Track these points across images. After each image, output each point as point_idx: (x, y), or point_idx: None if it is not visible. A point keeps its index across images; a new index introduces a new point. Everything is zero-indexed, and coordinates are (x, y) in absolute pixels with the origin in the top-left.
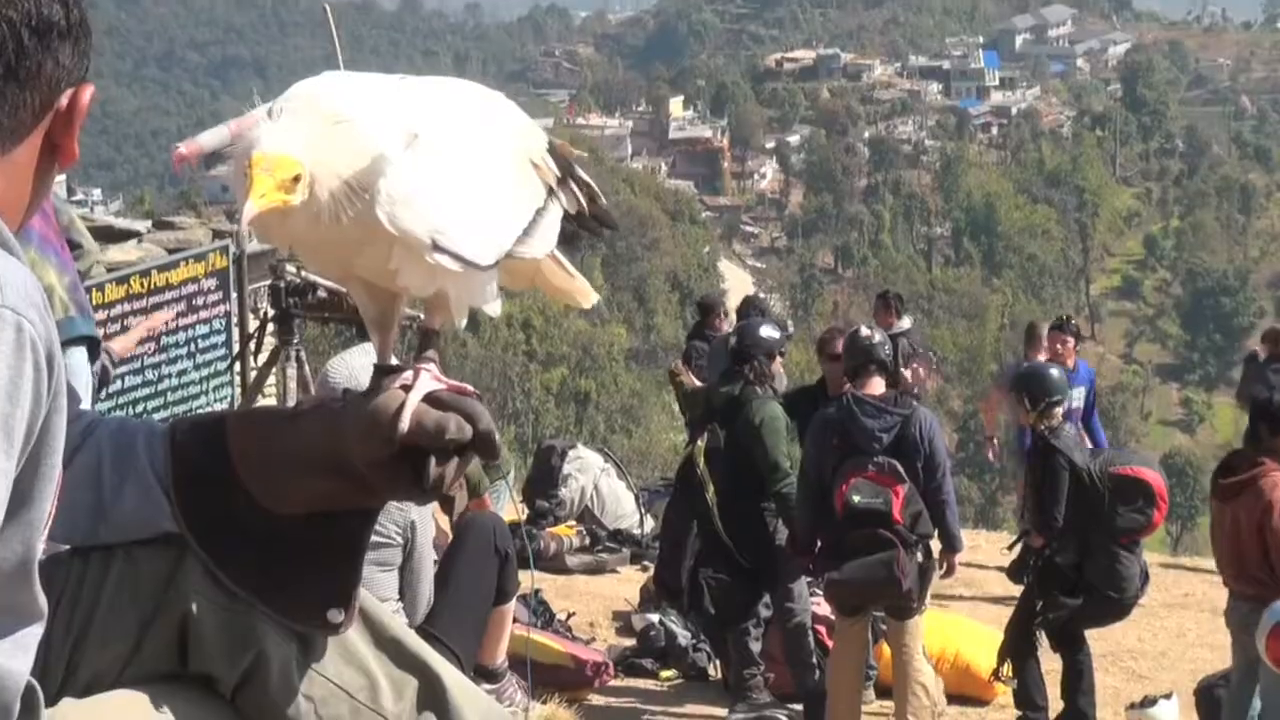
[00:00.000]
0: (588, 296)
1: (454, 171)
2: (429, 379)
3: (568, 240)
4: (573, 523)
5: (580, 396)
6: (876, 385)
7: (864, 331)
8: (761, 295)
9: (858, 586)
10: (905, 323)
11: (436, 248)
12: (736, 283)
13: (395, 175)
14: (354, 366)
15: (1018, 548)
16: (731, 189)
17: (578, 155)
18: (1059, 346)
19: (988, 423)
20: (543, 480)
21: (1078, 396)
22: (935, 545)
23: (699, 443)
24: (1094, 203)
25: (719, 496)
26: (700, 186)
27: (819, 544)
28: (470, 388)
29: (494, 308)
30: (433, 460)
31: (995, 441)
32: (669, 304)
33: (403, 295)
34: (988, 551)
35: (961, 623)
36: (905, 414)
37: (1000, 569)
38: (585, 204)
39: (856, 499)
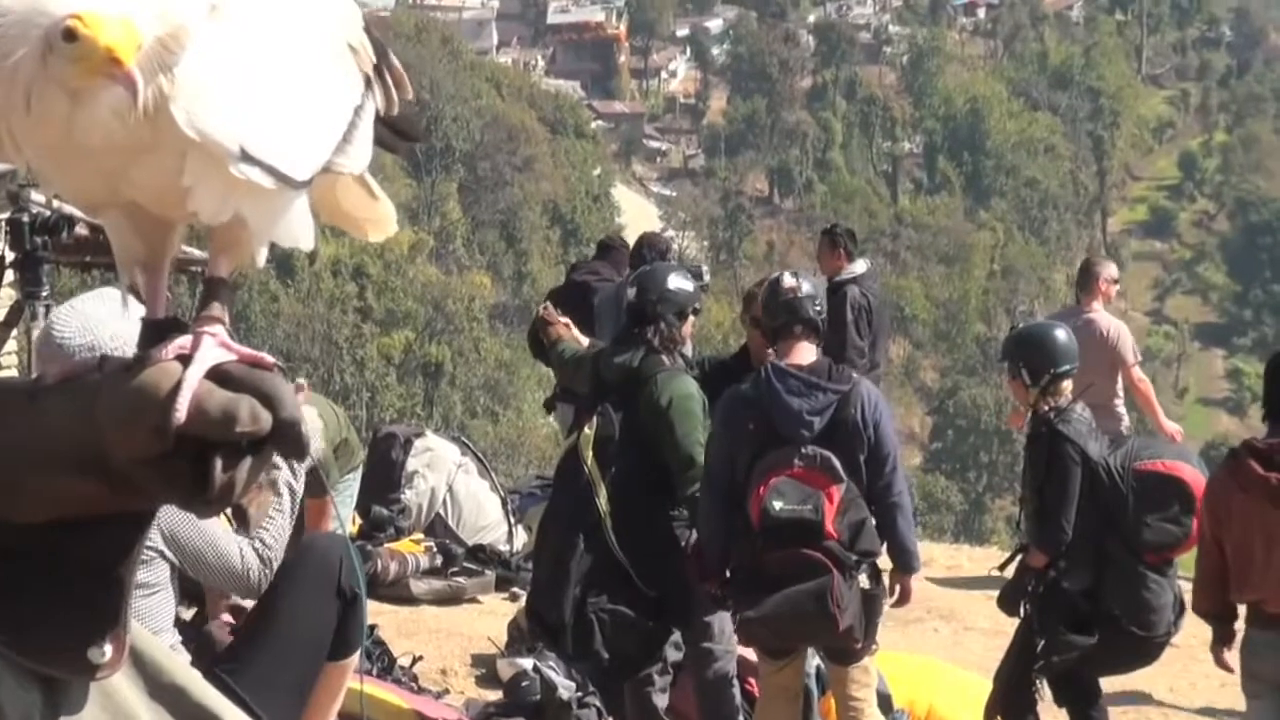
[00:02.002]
0: (386, 224)
1: (264, 53)
2: (214, 347)
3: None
4: (419, 536)
5: (430, 368)
6: (804, 352)
7: (787, 280)
8: (669, 233)
9: (780, 626)
10: (859, 266)
11: (245, 157)
12: (637, 216)
13: (197, 56)
14: (91, 320)
15: (1012, 568)
16: (631, 91)
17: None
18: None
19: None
20: (380, 480)
21: None
22: (885, 563)
23: (586, 430)
24: (1113, 110)
25: (613, 502)
26: (589, 88)
27: (730, 566)
28: (270, 358)
29: (307, 241)
30: (219, 460)
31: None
32: (547, 245)
33: (179, 227)
34: (973, 573)
35: (936, 668)
36: (843, 390)
37: (989, 596)
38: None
39: (777, 505)
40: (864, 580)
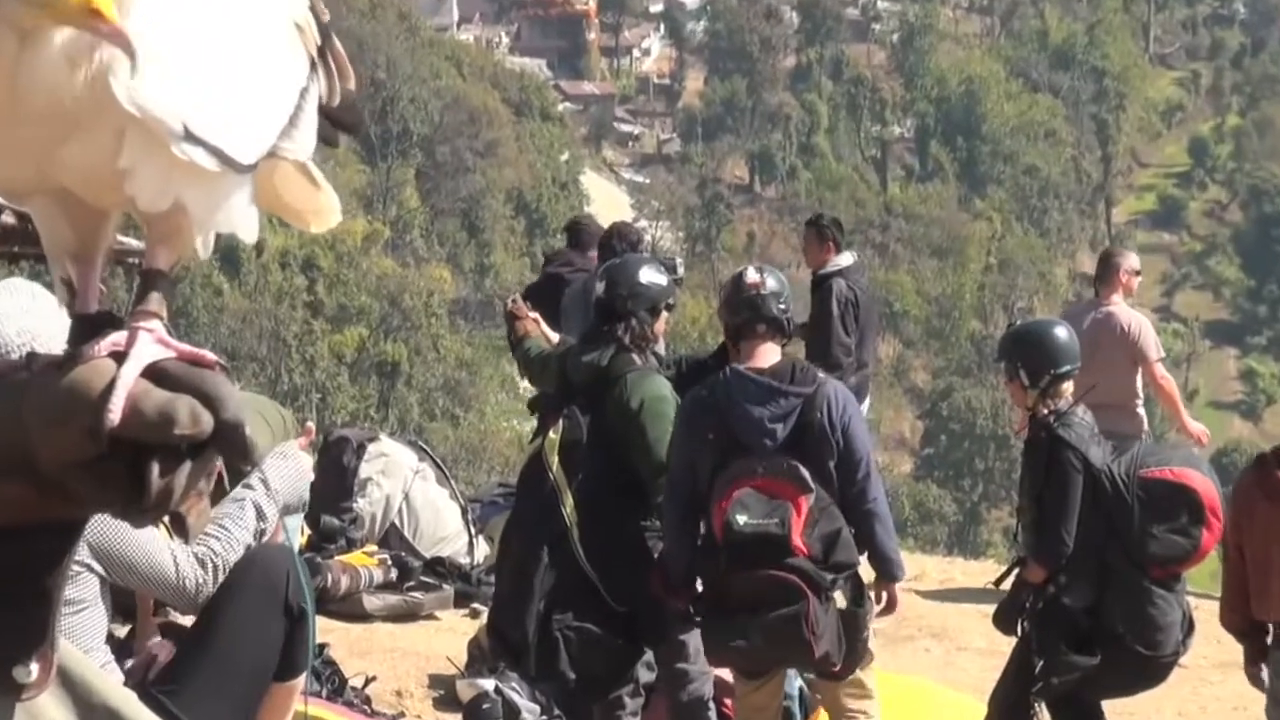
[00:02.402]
0: (329, 215)
1: (209, 26)
2: (151, 343)
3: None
4: (373, 548)
5: (386, 367)
6: (767, 354)
7: (750, 276)
8: (642, 223)
9: (751, 651)
10: (845, 258)
11: (189, 137)
12: (607, 204)
13: (139, 26)
14: None
15: (1009, 582)
16: (601, 71)
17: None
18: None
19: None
20: (331, 487)
21: None
22: (868, 572)
23: (551, 434)
24: (1118, 91)
25: (580, 511)
26: (556, 67)
27: (699, 582)
28: (211, 356)
29: (251, 231)
30: (156, 464)
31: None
32: (511, 236)
33: (114, 215)
34: (966, 587)
35: (928, 690)
36: (806, 393)
37: (985, 612)
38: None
39: (741, 519)
40: (841, 599)
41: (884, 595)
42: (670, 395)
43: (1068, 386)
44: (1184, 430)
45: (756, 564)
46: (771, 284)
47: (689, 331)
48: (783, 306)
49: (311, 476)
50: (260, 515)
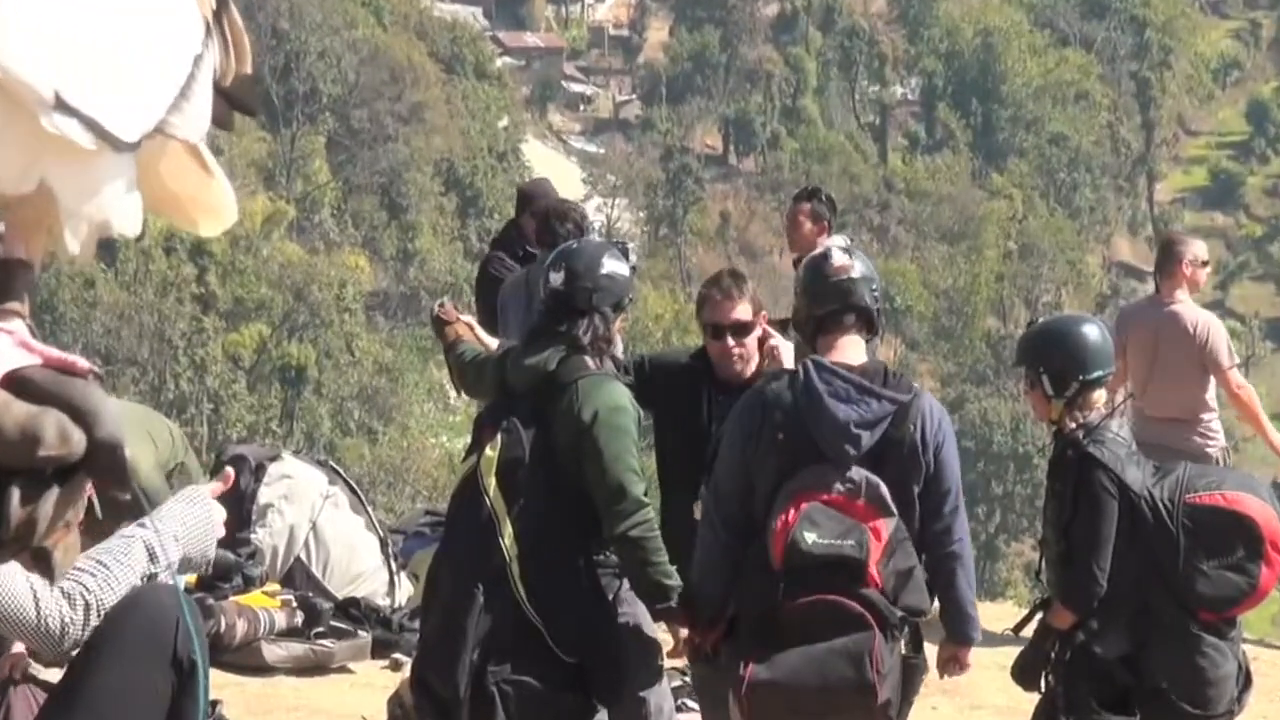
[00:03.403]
0: (223, 212)
1: None
2: (11, 348)
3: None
4: (274, 587)
5: (290, 373)
6: (855, 349)
7: (838, 257)
8: (597, 201)
9: (800, 694)
10: (837, 243)
11: (61, 106)
12: (554, 179)
13: None
14: None
15: (1032, 628)
16: (546, 20)
17: None
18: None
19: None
20: (225, 515)
21: None
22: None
23: (488, 451)
24: (1163, 46)
25: (522, 543)
26: (493, 16)
27: (731, 615)
28: (84, 362)
29: (131, 224)
30: (16, 490)
31: None
32: (440, 216)
33: None
34: (982, 632)
35: None
36: (902, 400)
37: (1003, 664)
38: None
39: (810, 538)
40: (904, 644)
41: (948, 660)
42: (630, 405)
43: (1099, 395)
44: (1273, 450)
45: (820, 591)
46: (862, 268)
47: (651, 330)
48: (875, 293)
49: (222, 531)
50: (152, 558)
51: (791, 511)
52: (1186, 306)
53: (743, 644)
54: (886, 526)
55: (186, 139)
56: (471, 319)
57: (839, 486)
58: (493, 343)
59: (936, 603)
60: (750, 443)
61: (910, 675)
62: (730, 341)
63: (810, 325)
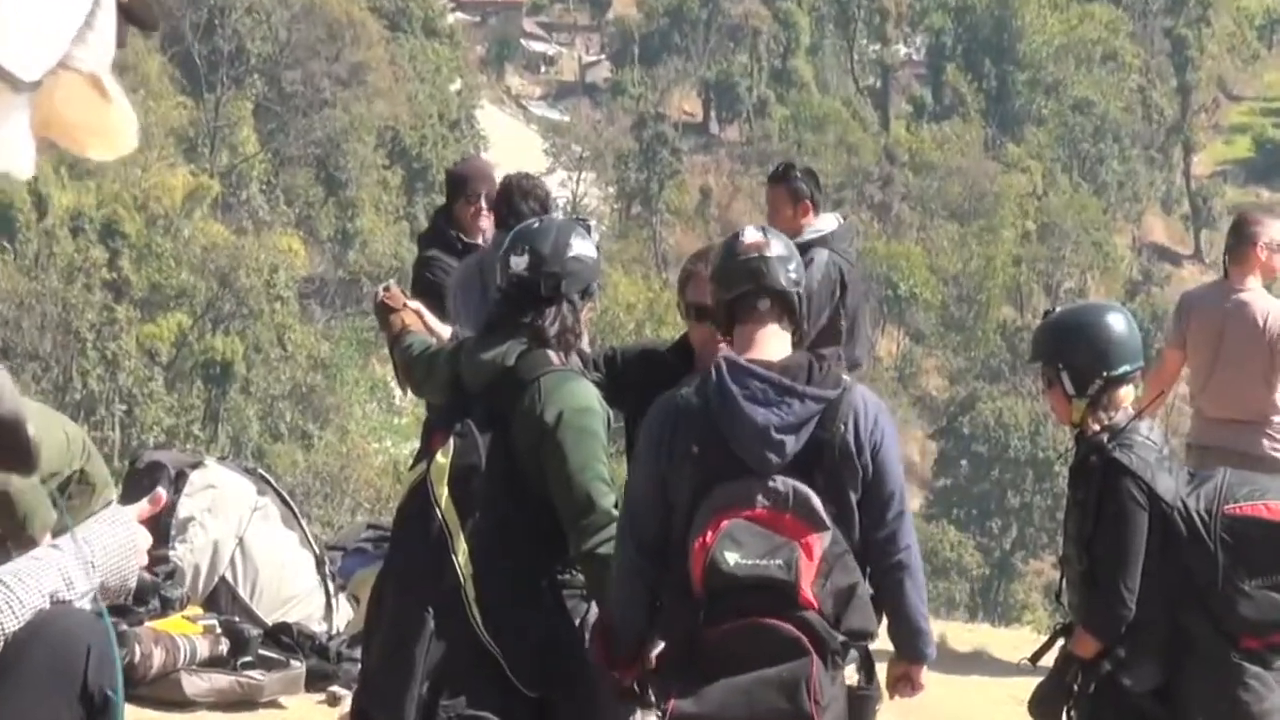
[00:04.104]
0: (120, 137)
1: None
2: None
3: None
4: (196, 610)
5: (214, 369)
6: (774, 341)
7: (750, 235)
8: (561, 175)
9: None
10: (827, 221)
11: None
12: (513, 149)
13: None
14: None
15: (1052, 657)
16: None
17: None
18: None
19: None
20: None
21: None
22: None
23: (439, 457)
24: None
25: (477, 562)
26: None
27: (655, 647)
28: None
29: (23, 165)
30: None
31: None
32: (384, 192)
33: None
34: (995, 662)
35: None
36: (828, 397)
37: (1020, 698)
38: None
39: (732, 559)
40: (854, 671)
41: (900, 680)
42: (599, 406)
43: (1127, 393)
44: None
45: (747, 616)
46: (778, 247)
47: (622, 321)
48: (793, 277)
49: (145, 560)
50: (69, 584)
51: (710, 531)
52: (1258, 295)
53: (666, 677)
54: (819, 541)
55: (92, 72)
56: (420, 305)
57: (762, 500)
58: (445, 333)
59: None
60: (662, 455)
61: (860, 708)
62: None
63: (724, 314)
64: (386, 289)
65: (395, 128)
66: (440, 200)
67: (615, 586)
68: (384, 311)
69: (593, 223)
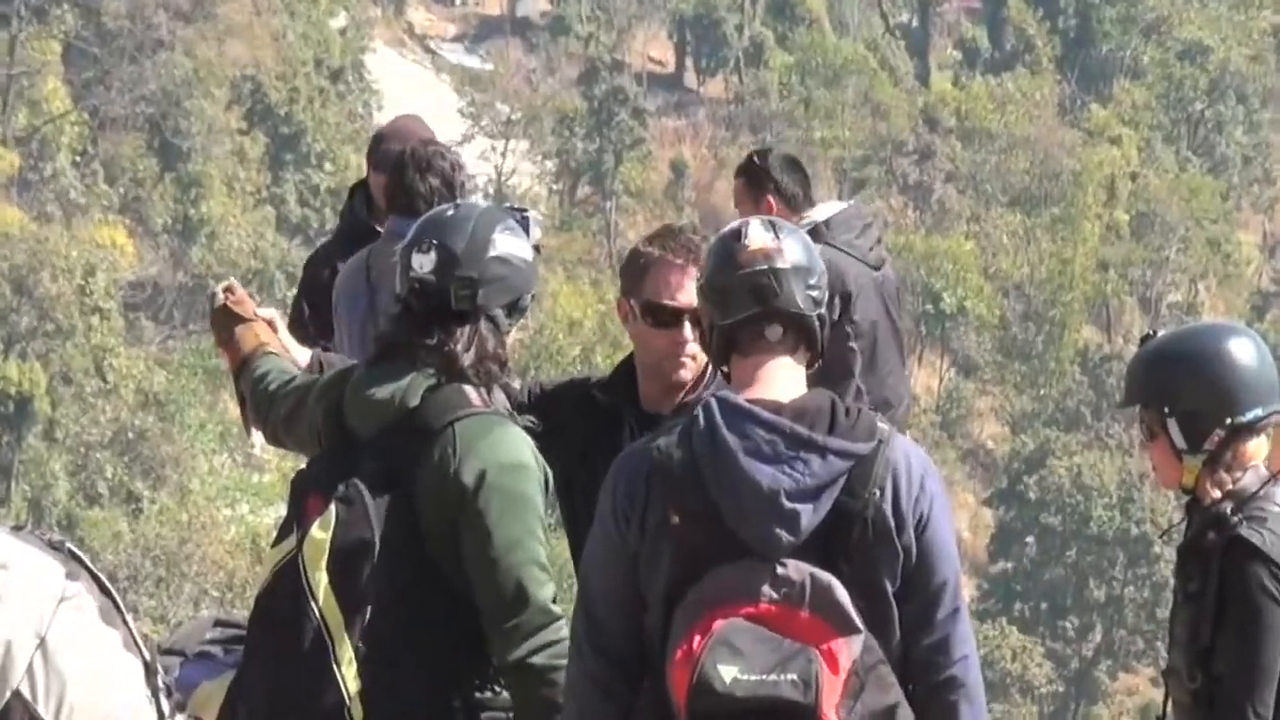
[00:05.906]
0: None
1: None
2: None
3: None
4: None
5: (6, 406)
6: (784, 376)
7: (756, 234)
8: (482, 142)
9: None
10: (826, 208)
11: None
12: (415, 106)
13: None
14: None
15: None
16: None
17: None
18: None
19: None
20: None
21: None
22: None
23: (315, 531)
24: None
25: (369, 674)
26: None
27: None
28: None
29: None
30: None
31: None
32: (241, 165)
33: None
34: None
35: None
36: (859, 452)
37: None
38: None
39: (729, 674)
40: None
41: None
42: (534, 461)
43: (1257, 446)
44: None
45: None
46: (794, 252)
47: (563, 346)
48: (814, 295)
49: None
50: None
51: (698, 635)
52: None
53: None
54: (847, 647)
55: None
56: (275, 314)
57: (769, 592)
58: (304, 357)
59: None
60: (630, 530)
61: None
62: (686, 331)
63: (719, 341)
64: (228, 289)
65: (256, 78)
66: (320, 178)
67: (567, 708)
68: (226, 321)
69: (531, 212)
